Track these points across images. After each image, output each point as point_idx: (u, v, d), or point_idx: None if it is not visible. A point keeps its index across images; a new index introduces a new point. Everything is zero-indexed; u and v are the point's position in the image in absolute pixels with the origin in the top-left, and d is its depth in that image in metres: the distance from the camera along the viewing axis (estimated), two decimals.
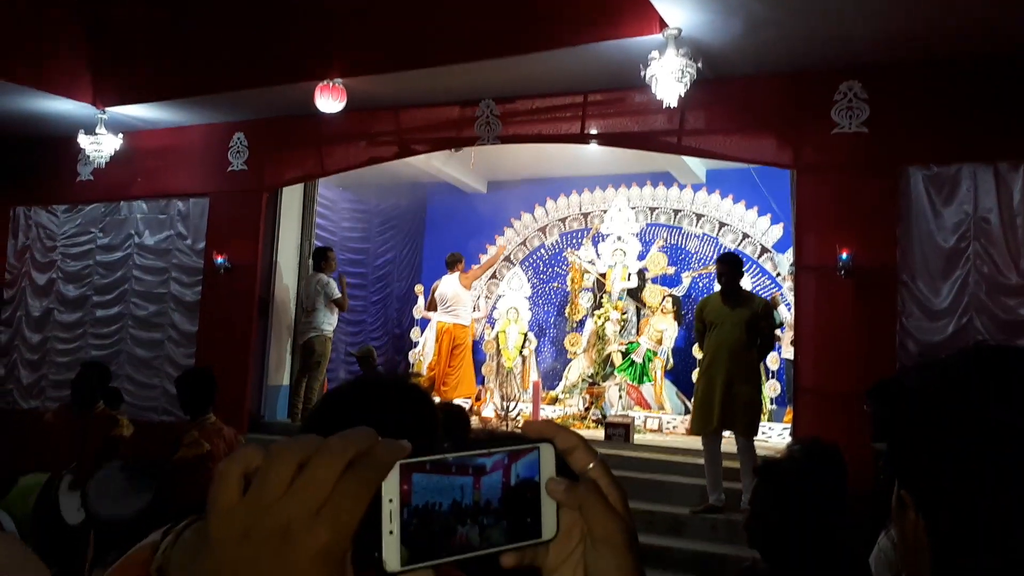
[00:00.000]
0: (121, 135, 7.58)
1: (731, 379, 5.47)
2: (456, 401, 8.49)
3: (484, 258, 9.79)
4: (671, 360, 8.80)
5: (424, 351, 9.88)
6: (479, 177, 10.62)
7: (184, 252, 8.17)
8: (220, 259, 7.79)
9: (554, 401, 8.87)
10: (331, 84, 6.48)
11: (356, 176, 8.62)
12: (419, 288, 10.40)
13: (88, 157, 7.73)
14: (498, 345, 9.38)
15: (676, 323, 8.84)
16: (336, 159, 7.56)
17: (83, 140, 7.47)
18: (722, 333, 5.57)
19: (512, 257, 10.14)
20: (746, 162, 7.20)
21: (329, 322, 7.97)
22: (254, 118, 7.73)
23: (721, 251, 8.85)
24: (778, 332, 7.02)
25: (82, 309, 8.69)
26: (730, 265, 5.72)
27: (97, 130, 7.49)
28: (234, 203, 7.90)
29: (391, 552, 0.45)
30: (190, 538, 1.03)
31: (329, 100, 6.50)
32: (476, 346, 9.59)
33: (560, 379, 9.27)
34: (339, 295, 7.90)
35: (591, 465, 0.55)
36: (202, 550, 0.44)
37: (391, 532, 0.45)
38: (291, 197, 8.28)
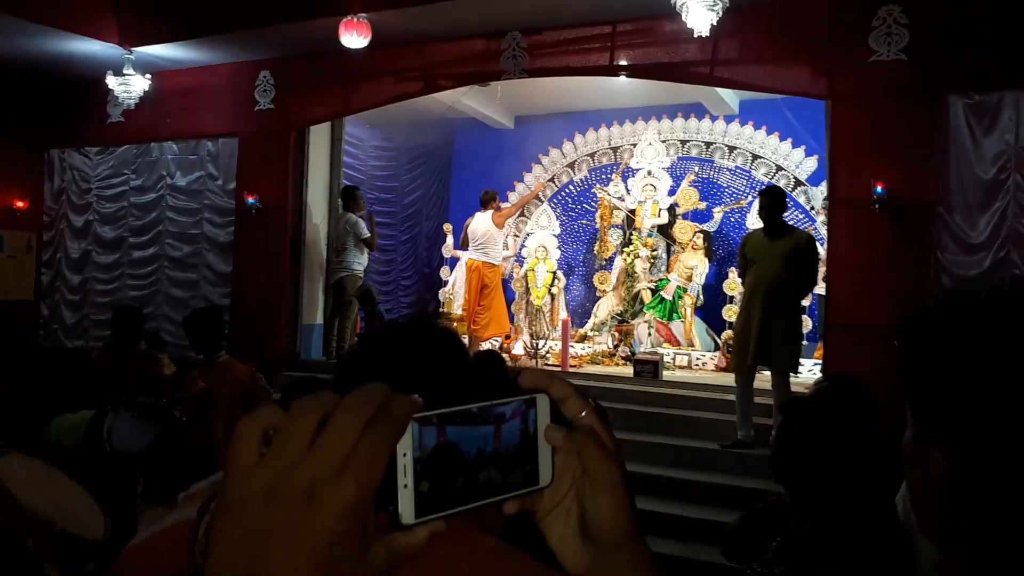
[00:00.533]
0: (149, 76, 7.57)
1: (768, 315, 5.37)
2: (488, 340, 8.59)
3: (513, 196, 9.73)
4: (701, 297, 8.76)
5: (454, 290, 9.96)
6: (506, 112, 10.47)
7: (215, 193, 8.24)
8: (251, 199, 7.85)
9: (583, 339, 8.92)
10: (355, 19, 6.38)
11: (383, 113, 8.56)
12: (448, 227, 10.39)
13: (117, 98, 7.75)
14: (527, 283, 9.41)
15: (707, 259, 8.76)
16: (362, 96, 7.50)
17: (112, 81, 7.49)
18: (762, 268, 5.45)
19: (541, 194, 10.07)
20: (779, 93, 7.00)
21: (359, 261, 8.03)
22: (279, 55, 7.67)
23: (754, 184, 8.71)
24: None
25: (119, 250, 8.85)
26: (772, 198, 5.57)
27: (125, 71, 7.50)
28: (263, 143, 7.91)
29: (406, 505, 0.47)
30: None
31: (353, 36, 6.42)
32: (505, 285, 9.63)
33: (589, 317, 9.30)
34: (368, 234, 7.94)
35: (584, 412, 0.56)
36: (220, 515, 0.44)
37: (405, 486, 0.47)
38: (319, 136, 8.25)
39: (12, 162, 8.94)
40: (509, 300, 9.51)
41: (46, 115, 8.96)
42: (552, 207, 9.69)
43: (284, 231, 7.92)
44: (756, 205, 8.35)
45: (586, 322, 9.26)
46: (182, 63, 8.01)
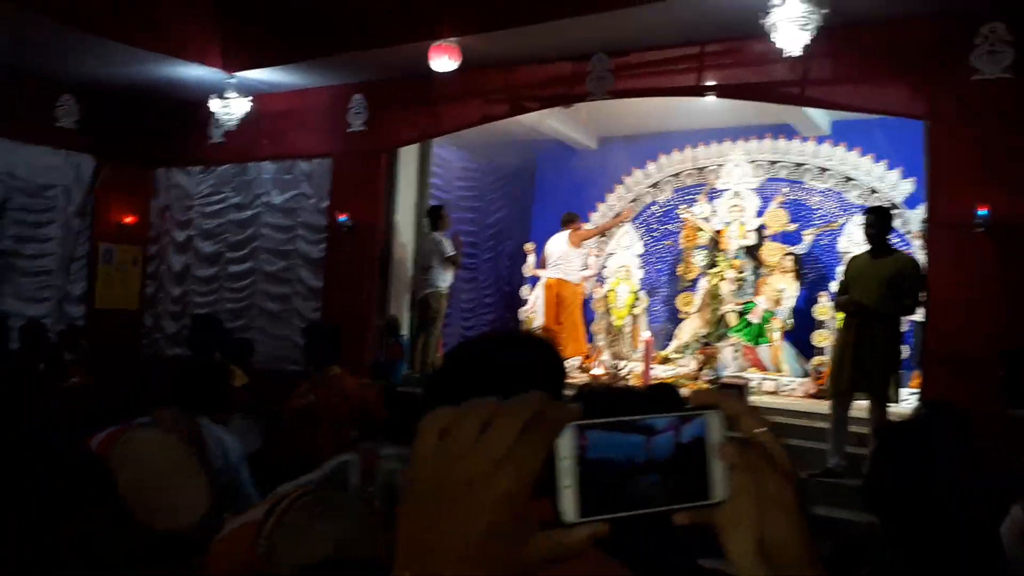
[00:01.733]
0: (249, 98, 7.96)
1: (866, 339, 5.16)
2: (567, 359, 8.58)
3: (595, 216, 9.74)
4: (790, 321, 8.52)
5: (534, 308, 10.01)
6: (589, 133, 10.50)
7: (309, 211, 8.56)
8: (342, 217, 8.13)
9: (665, 361, 8.80)
10: (445, 43, 6.56)
11: (468, 135, 8.73)
12: (529, 246, 10.45)
13: (219, 120, 8.17)
14: (607, 303, 9.36)
15: (796, 283, 8.53)
16: (450, 118, 7.68)
17: (214, 104, 7.91)
18: (862, 290, 5.25)
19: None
20: (875, 113, 6.79)
21: (444, 279, 8.17)
22: (372, 79, 7.94)
23: (846, 207, 8.46)
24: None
25: (217, 264, 9.29)
26: (878, 215, 5.36)
27: (226, 94, 7.90)
28: (355, 163, 8.19)
29: (568, 504, 0.51)
30: (295, 520, 1.08)
31: (443, 59, 6.59)
32: (586, 305, 9.61)
33: (671, 339, 9.17)
34: (452, 253, 8.08)
35: (759, 430, 0.57)
36: (405, 496, 0.51)
37: (567, 486, 0.51)
38: (408, 157, 8.48)
39: (124, 180, 9.53)
40: (589, 320, 9.49)
41: (154, 135, 9.52)
42: (635, 227, 9.64)
43: (373, 248, 8.15)
44: (849, 227, 8.13)
45: (668, 344, 9.13)
46: (280, 87, 8.38)
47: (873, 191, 8.37)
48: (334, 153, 8.36)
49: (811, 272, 9.09)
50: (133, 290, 9.79)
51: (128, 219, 9.62)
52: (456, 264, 8.25)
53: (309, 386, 4.57)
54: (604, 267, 9.79)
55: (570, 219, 8.92)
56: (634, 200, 9.91)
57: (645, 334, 8.90)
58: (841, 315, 5.99)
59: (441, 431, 0.50)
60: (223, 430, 3.17)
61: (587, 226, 9.39)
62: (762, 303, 8.53)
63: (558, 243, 8.76)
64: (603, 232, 9.53)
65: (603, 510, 0.51)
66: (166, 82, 8.40)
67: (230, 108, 7.91)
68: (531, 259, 10.24)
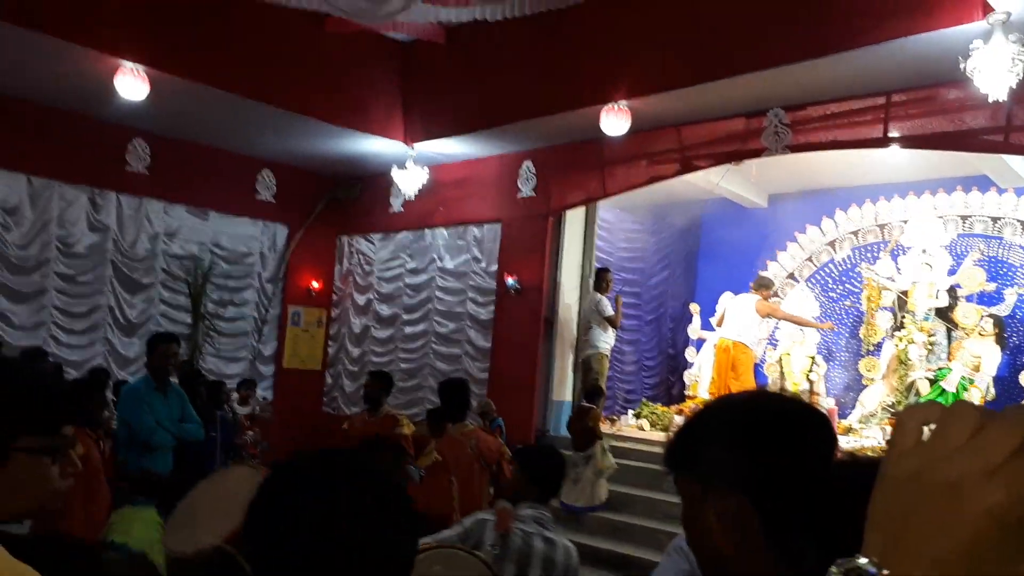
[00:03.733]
0: (426, 168, 8.43)
1: None
2: None
3: (765, 274, 9.39)
4: (992, 390, 7.72)
5: (700, 372, 9.69)
6: (759, 190, 10.22)
7: (479, 274, 8.85)
8: (510, 280, 8.33)
9: (847, 431, 8.20)
10: (616, 107, 6.66)
11: (633, 196, 8.73)
12: (695, 307, 10.23)
13: (399, 190, 8.69)
14: (781, 369, 8.92)
15: (998, 347, 7.76)
16: (617, 180, 7.74)
17: (396, 175, 8.43)
18: None
19: (797, 274, 9.61)
20: None
21: (604, 340, 8.12)
22: (542, 146, 8.19)
23: None
24: None
25: (393, 326, 9.75)
26: None
27: (407, 165, 8.41)
28: (523, 227, 8.41)
29: None
30: (417, 571, 1.03)
31: (614, 122, 6.69)
32: (757, 369, 9.20)
33: (854, 407, 8.56)
34: (611, 312, 8.03)
35: None
36: (877, 487, 0.49)
37: None
38: (573, 220, 8.60)
39: (312, 248, 10.30)
40: (761, 386, 9.05)
41: (340, 205, 10.27)
42: (810, 287, 9.20)
43: (539, 310, 8.26)
44: None
45: (850, 412, 8.53)
46: (454, 157, 8.82)
47: None
48: (504, 218, 8.63)
49: (1015, 336, 8.26)
50: (317, 350, 10.44)
51: (315, 284, 10.34)
52: (615, 324, 8.19)
53: (441, 445, 4.61)
54: (776, 328, 9.38)
55: (764, 284, 8.51)
56: (808, 258, 9.48)
57: (827, 401, 8.37)
58: None
59: (925, 427, 0.48)
60: None
61: (782, 306, 8.93)
62: (958, 369, 7.81)
63: (744, 305, 8.36)
64: (796, 322, 8.98)
65: None
66: (352, 155, 9.08)
67: (410, 178, 8.39)
68: (696, 320, 10.00)
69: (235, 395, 8.21)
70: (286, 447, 9.32)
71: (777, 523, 0.90)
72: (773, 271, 9.54)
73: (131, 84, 6.70)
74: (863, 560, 0.47)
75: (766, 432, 0.97)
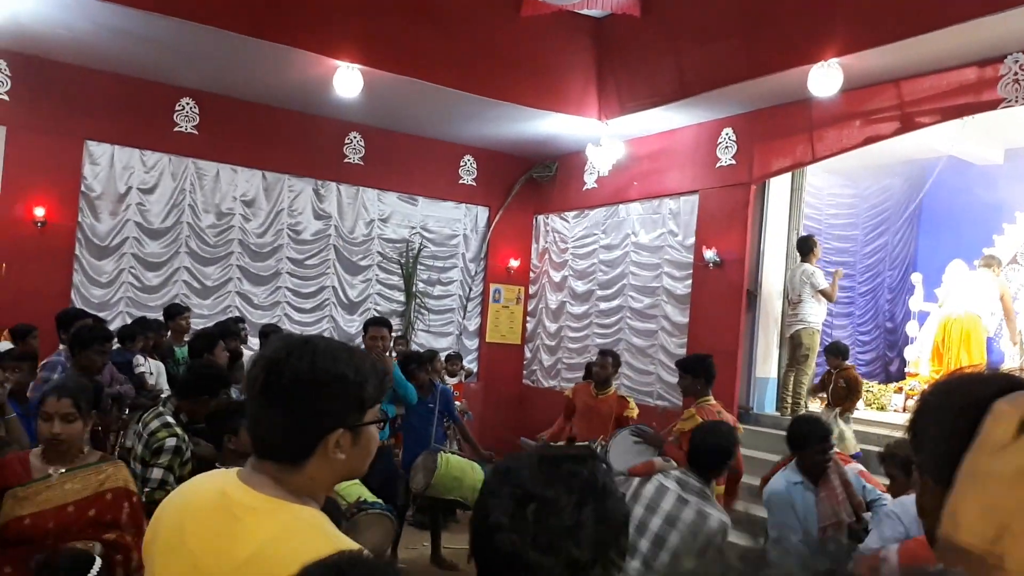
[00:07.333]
0: (622, 143, 8.38)
1: None
2: None
3: (1000, 239, 8.43)
4: None
5: (923, 347, 8.93)
6: (993, 146, 9.15)
7: (675, 248, 8.69)
8: (709, 252, 8.10)
9: None
10: (826, 65, 6.24)
11: (843, 159, 8.14)
12: (917, 277, 9.43)
13: (594, 167, 8.72)
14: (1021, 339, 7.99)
15: None
16: (827, 143, 7.25)
17: (591, 152, 8.46)
18: None
19: None
20: None
21: (816, 314, 7.68)
22: (742, 112, 7.85)
23: None
24: None
25: (588, 302, 9.86)
26: None
27: (602, 142, 8.41)
28: (722, 198, 8.14)
29: None
30: None
31: (824, 82, 6.28)
32: (989, 344, 8.32)
33: None
34: (825, 285, 7.57)
35: None
36: (965, 480, 0.48)
37: None
38: (778, 188, 8.19)
39: (511, 227, 10.66)
40: (995, 363, 8.19)
41: (536, 185, 10.52)
42: None
43: (740, 283, 7.97)
44: None
45: None
46: (649, 129, 8.69)
47: None
48: (701, 189, 8.39)
49: None
50: (516, 325, 10.82)
51: (513, 262, 10.69)
52: (830, 297, 7.72)
53: (697, 412, 4.72)
54: (1015, 298, 8.41)
55: (993, 261, 7.90)
56: None
57: None
58: None
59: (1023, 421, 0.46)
60: None
61: None
62: None
63: (983, 283, 7.69)
64: (1007, 319, 8.12)
65: None
66: (548, 135, 9.24)
67: (605, 154, 8.39)
68: (919, 292, 9.22)
69: (445, 367, 8.72)
70: (491, 417, 9.80)
71: None
72: (1009, 232, 8.52)
73: (347, 82, 7.26)
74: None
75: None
